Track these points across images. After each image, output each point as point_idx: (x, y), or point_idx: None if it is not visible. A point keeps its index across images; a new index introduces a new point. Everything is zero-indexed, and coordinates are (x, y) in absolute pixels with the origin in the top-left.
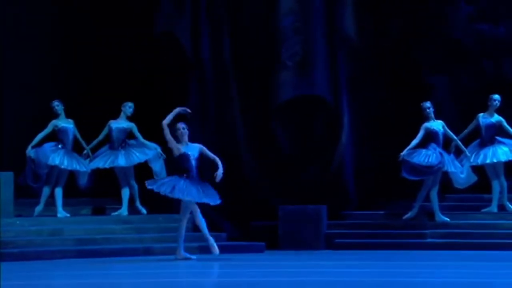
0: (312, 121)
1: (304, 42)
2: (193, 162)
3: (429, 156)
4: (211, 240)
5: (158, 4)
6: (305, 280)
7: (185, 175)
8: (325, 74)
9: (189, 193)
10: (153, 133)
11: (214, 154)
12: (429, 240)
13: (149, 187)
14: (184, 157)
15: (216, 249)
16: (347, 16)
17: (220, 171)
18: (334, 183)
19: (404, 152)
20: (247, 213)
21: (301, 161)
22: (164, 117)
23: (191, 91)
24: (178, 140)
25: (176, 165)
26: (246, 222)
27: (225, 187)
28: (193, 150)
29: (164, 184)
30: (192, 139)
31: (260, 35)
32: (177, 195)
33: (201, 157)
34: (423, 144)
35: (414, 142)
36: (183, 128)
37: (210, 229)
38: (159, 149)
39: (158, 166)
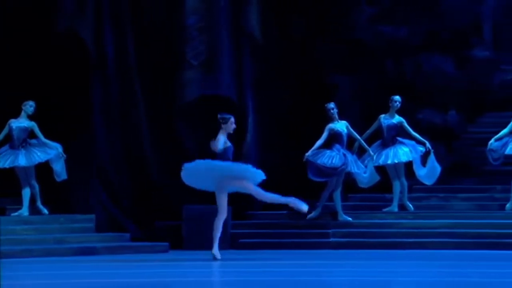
0: (216, 121)
1: (209, 42)
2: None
3: (333, 157)
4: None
5: (60, 1)
6: (209, 280)
7: None
8: (230, 74)
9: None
10: (55, 133)
11: (121, 154)
12: (332, 239)
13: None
14: (230, 149)
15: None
16: (252, 16)
17: None
18: None
19: (309, 153)
20: (151, 213)
21: None
22: (68, 116)
23: (95, 90)
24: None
25: (221, 157)
26: (150, 222)
27: (129, 187)
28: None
29: None
30: (96, 139)
31: (165, 34)
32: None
33: None
34: (327, 145)
35: (319, 143)
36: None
37: (114, 229)
38: (60, 149)
39: (59, 166)
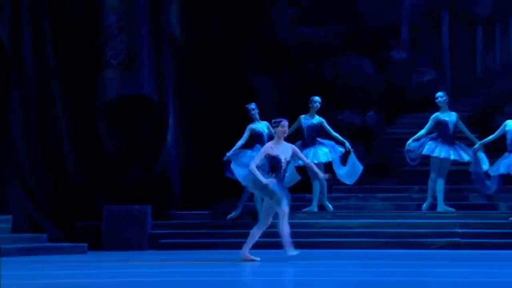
0: (137, 121)
1: (129, 41)
2: (284, 165)
3: (253, 157)
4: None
5: None
6: (126, 281)
7: (273, 174)
8: (151, 73)
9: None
10: None
11: (39, 154)
12: None
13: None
14: (276, 160)
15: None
16: (172, 15)
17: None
18: (159, 183)
19: (230, 152)
20: (70, 213)
21: (126, 161)
22: None
23: (12, 90)
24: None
25: (267, 163)
26: (69, 222)
27: (49, 187)
28: (286, 152)
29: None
30: (14, 139)
31: (85, 33)
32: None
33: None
34: (248, 145)
35: (240, 143)
36: (285, 127)
37: (32, 230)
38: None
39: None
